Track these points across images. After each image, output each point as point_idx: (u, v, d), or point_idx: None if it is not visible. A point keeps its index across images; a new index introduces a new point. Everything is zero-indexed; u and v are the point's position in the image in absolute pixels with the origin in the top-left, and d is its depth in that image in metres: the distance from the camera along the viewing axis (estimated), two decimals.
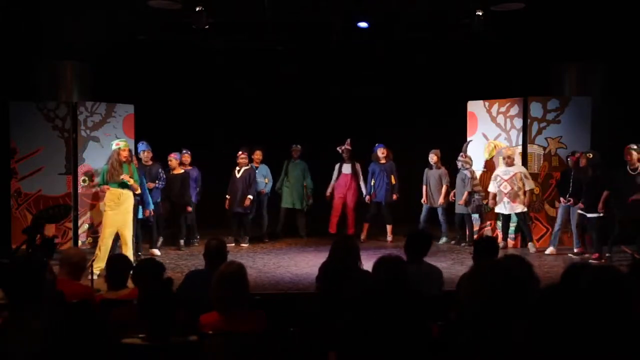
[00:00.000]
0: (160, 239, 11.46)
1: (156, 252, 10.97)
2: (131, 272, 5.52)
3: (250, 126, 13.50)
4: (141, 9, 10.31)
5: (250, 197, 11.77)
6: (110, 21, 10.33)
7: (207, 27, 10.71)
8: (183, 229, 11.59)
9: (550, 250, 10.99)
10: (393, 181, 12.20)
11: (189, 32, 11.14)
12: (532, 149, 11.64)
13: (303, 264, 10.09)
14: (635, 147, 10.03)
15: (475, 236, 11.57)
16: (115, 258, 5.78)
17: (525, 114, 11.67)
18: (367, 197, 12.34)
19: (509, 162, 11.31)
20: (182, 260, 10.39)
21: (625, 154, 10.10)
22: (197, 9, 10.29)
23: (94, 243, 10.77)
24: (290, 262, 10.36)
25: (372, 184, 12.28)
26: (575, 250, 10.88)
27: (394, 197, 12.23)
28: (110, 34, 10.82)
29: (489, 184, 11.77)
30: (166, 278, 4.71)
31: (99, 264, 8.68)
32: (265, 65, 13.42)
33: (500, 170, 11.45)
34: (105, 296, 5.24)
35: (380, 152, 12.28)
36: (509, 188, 11.23)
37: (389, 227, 12.39)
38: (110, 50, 11.57)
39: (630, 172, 10.08)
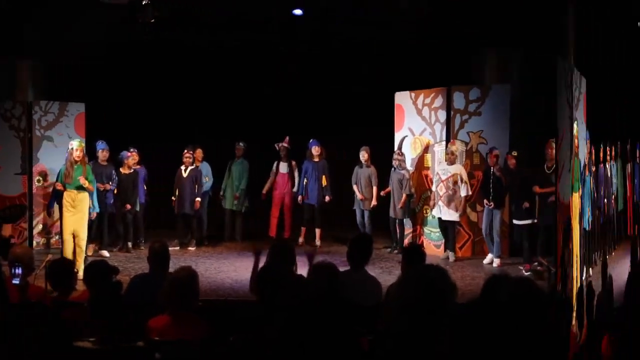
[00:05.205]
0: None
1: (105, 253, 10.90)
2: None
3: (200, 124, 13.38)
4: (93, 6, 10.18)
5: (199, 199, 11.56)
6: (64, 19, 10.31)
7: (152, 20, 10.41)
8: (130, 230, 11.41)
9: (490, 258, 10.15)
10: (324, 182, 11.68)
11: (138, 28, 10.75)
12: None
13: (242, 269, 9.63)
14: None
15: (405, 242, 10.98)
16: (55, 264, 5.55)
17: (448, 106, 10.94)
18: (300, 198, 11.87)
19: (451, 159, 10.38)
20: (129, 263, 10.23)
21: (547, 147, 9.24)
22: (144, 2, 10.13)
23: (47, 244, 10.99)
24: (230, 267, 10.20)
25: (304, 183, 11.79)
26: (496, 261, 10.05)
27: (327, 198, 11.73)
28: (64, 33, 10.70)
29: (416, 184, 11.20)
30: (115, 281, 4.83)
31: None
32: (218, 61, 13.23)
33: (441, 168, 10.59)
34: (56, 297, 5.22)
35: (315, 149, 11.76)
36: (444, 190, 10.37)
37: (317, 231, 11.89)
38: (65, 49, 11.45)
39: (546, 170, 9.35)
